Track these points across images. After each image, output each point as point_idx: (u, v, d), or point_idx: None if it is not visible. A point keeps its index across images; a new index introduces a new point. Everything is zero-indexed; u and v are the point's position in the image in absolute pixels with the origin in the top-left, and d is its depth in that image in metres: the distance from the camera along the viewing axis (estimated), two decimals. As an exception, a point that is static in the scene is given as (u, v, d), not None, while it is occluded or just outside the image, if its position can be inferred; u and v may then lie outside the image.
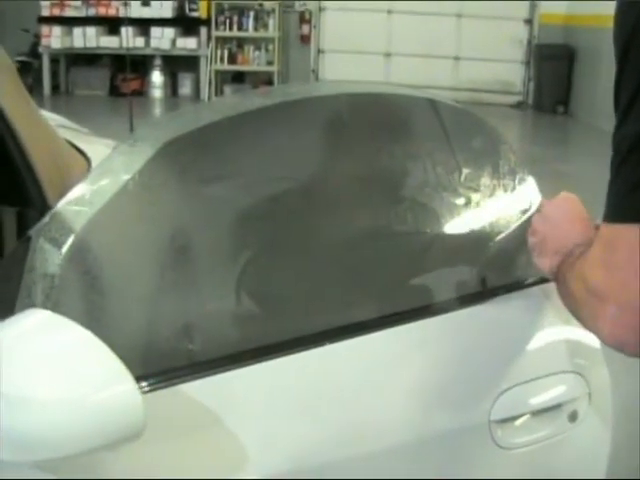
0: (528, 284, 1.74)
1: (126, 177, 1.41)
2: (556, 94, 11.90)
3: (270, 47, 12.49)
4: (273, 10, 12.32)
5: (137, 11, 11.88)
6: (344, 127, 1.74)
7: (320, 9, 12.76)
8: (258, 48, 12.51)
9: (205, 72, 12.35)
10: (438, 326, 1.63)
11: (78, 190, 1.41)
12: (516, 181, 1.80)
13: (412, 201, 1.74)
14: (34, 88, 10.85)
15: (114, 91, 12.26)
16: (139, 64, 12.31)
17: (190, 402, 1.36)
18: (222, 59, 12.43)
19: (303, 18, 12.79)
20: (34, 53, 12.00)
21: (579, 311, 1.11)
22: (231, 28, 12.37)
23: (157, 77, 12.53)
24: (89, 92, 12.29)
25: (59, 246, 1.33)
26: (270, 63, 12.53)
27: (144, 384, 1.31)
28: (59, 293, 1.30)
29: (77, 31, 12.10)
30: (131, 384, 1.16)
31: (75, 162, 2.03)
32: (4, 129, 1.70)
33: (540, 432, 1.66)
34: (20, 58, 10.91)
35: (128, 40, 10.81)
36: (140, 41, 11.98)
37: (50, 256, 1.32)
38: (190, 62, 12.44)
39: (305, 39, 12.89)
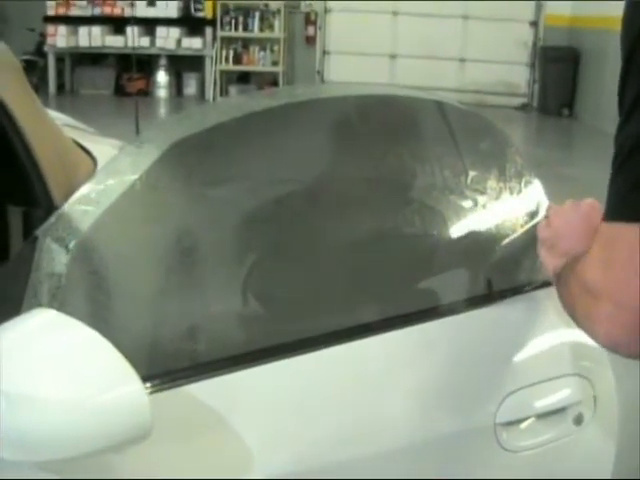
0: (534, 287, 1.73)
1: (133, 177, 1.41)
2: (561, 96, 11.88)
3: (275, 48, 12.49)
4: (278, 11, 12.32)
5: (142, 11, 11.88)
6: (351, 129, 1.74)
7: (325, 10, 12.75)
8: (263, 49, 12.51)
9: (210, 72, 12.35)
10: (443, 328, 1.63)
11: (84, 190, 1.41)
12: (522, 184, 1.80)
13: (419, 203, 1.73)
14: (39, 87, 10.86)
15: (119, 90, 12.26)
16: (144, 64, 12.32)
17: (195, 403, 1.36)
18: (227, 59, 12.43)
19: (308, 19, 12.79)
20: (40, 52, 12.01)
21: (575, 311, 1.10)
22: (236, 28, 12.37)
23: (162, 77, 12.53)
24: (94, 91, 12.30)
25: (65, 246, 1.33)
26: (275, 64, 12.53)
27: (149, 384, 1.31)
28: (65, 293, 1.30)
29: (83, 30, 12.10)
30: (138, 385, 1.15)
31: (81, 162, 2.03)
32: (10, 128, 1.70)
33: (545, 435, 1.66)
34: (26, 57, 10.91)
35: (133, 40, 10.84)
36: (145, 41, 11.98)
37: (56, 256, 1.32)
38: (195, 62, 12.44)
39: (310, 40, 12.88)
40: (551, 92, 11.95)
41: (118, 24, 12.04)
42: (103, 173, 1.45)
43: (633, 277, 0.95)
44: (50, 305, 1.27)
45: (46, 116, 1.99)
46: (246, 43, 12.57)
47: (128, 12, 11.78)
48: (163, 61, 12.44)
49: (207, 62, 12.37)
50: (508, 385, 1.63)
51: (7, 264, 1.54)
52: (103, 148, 2.22)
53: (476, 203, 1.75)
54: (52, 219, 1.37)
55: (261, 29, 12.45)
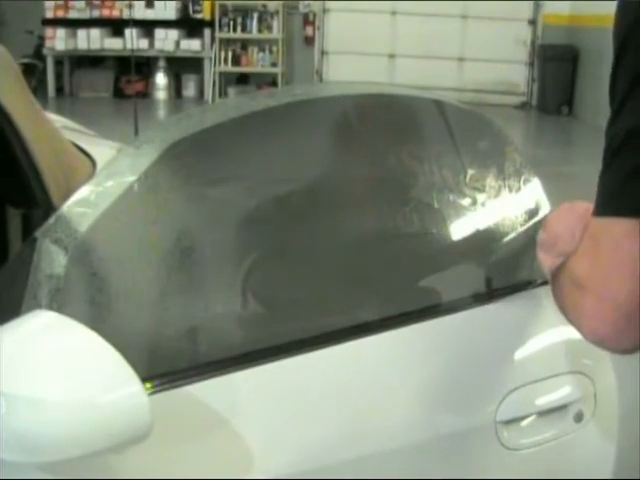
0: (534, 284, 1.73)
1: (131, 179, 1.41)
2: (560, 95, 11.88)
3: (274, 49, 12.49)
4: (277, 12, 12.33)
5: (141, 13, 11.89)
6: (350, 129, 1.74)
7: (324, 10, 12.75)
8: (262, 49, 12.51)
9: (209, 74, 12.36)
10: (443, 327, 1.62)
11: (83, 191, 1.41)
12: (521, 182, 1.80)
13: (418, 202, 1.73)
14: (38, 90, 10.86)
15: (118, 93, 12.27)
16: (143, 66, 12.33)
17: (195, 403, 1.36)
18: (226, 61, 12.44)
19: (307, 19, 12.79)
20: (38, 55, 12.01)
21: (565, 305, 1.09)
22: (235, 30, 12.38)
23: (161, 79, 12.53)
24: (93, 94, 12.30)
25: (65, 247, 1.33)
26: (274, 64, 12.53)
27: (149, 385, 1.31)
28: (65, 294, 1.30)
29: (81, 33, 12.10)
30: (137, 386, 1.15)
31: (80, 164, 2.03)
32: (9, 131, 1.70)
33: (546, 433, 1.66)
34: (24, 60, 10.92)
35: (132, 42, 10.83)
36: (144, 43, 11.99)
37: (56, 257, 1.32)
38: (194, 64, 12.45)
39: (309, 40, 12.89)
40: (550, 90, 11.94)
41: (117, 26, 12.04)
42: (102, 175, 1.45)
43: (616, 271, 0.95)
44: (49, 306, 1.28)
45: (45, 119, 1.99)
46: (245, 44, 12.57)
47: (126, 14, 11.78)
48: (162, 63, 12.45)
49: (206, 64, 12.38)
50: (509, 383, 1.63)
51: (6, 266, 1.54)
52: (102, 150, 2.22)
53: (475, 201, 1.75)
54: (51, 221, 1.37)
55: (260, 30, 12.45)
